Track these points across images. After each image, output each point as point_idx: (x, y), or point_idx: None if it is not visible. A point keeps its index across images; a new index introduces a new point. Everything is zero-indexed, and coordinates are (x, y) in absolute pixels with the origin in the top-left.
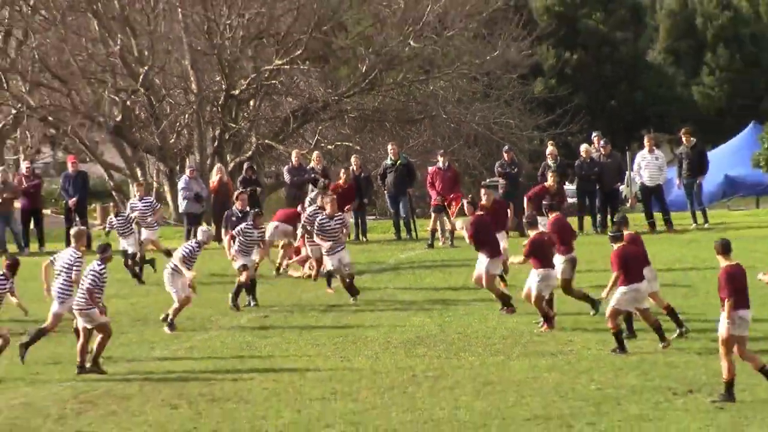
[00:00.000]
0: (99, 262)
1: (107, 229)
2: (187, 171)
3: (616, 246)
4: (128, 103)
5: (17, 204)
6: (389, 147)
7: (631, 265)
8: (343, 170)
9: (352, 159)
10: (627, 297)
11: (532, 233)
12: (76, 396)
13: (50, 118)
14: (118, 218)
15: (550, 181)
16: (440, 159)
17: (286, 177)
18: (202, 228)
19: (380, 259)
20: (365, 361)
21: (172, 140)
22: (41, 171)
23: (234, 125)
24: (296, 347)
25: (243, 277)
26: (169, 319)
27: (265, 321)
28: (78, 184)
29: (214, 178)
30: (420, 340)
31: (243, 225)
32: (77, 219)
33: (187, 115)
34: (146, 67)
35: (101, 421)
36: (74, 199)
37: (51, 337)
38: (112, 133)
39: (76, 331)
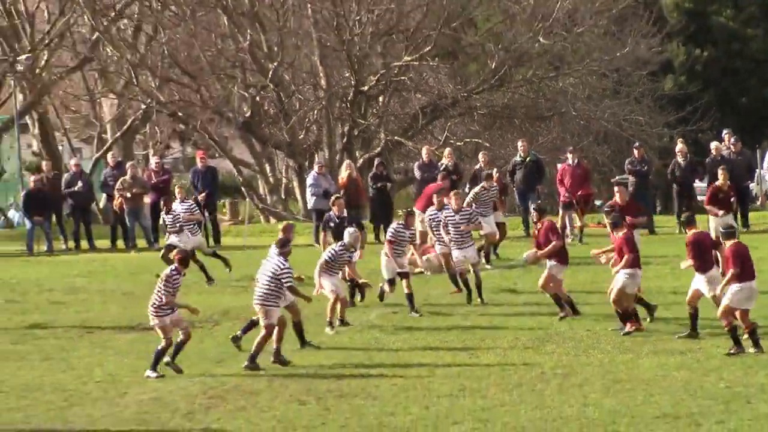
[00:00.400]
0: (282, 259)
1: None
2: (316, 167)
3: (729, 243)
4: (257, 98)
5: (147, 199)
6: (519, 143)
7: (746, 262)
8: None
9: (480, 155)
10: (741, 295)
11: (690, 232)
12: (205, 391)
13: (179, 114)
14: (168, 215)
15: (721, 179)
16: (569, 156)
17: (417, 173)
18: (350, 230)
19: (510, 255)
20: (494, 357)
21: (301, 136)
22: (170, 166)
23: (363, 121)
24: (424, 343)
25: (387, 287)
26: (328, 320)
27: (394, 318)
28: (207, 180)
29: (343, 174)
30: (549, 337)
31: (395, 225)
32: (206, 214)
33: (316, 111)
34: (275, 63)
35: (230, 416)
36: (203, 194)
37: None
38: (241, 129)
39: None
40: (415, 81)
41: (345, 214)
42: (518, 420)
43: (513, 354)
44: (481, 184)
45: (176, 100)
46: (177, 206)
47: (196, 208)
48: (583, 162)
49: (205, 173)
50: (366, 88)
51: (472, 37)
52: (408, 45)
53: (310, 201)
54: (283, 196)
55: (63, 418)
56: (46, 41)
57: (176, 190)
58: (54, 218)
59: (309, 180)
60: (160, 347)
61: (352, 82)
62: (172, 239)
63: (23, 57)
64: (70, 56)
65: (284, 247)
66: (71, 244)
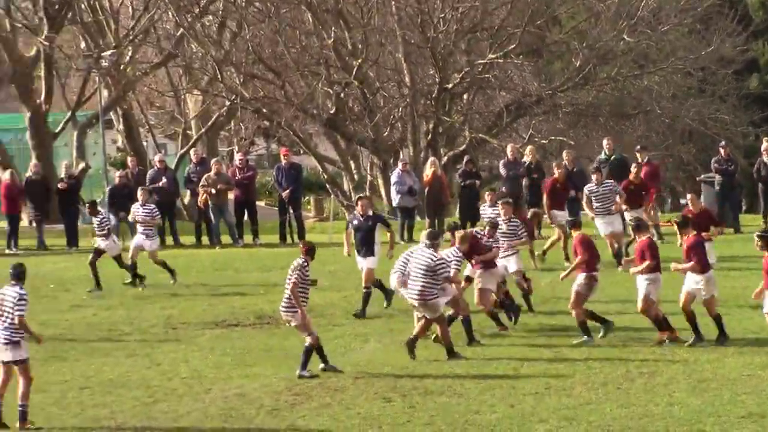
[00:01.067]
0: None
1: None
2: (400, 165)
3: None
4: (342, 95)
5: (231, 195)
6: (605, 142)
7: None
8: (556, 165)
9: (564, 154)
10: None
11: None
12: (289, 388)
13: (264, 110)
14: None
15: None
16: (638, 155)
17: (502, 171)
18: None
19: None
20: (579, 356)
21: (386, 133)
22: (254, 163)
23: (447, 119)
24: (510, 341)
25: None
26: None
27: (478, 316)
28: (291, 177)
29: (428, 172)
30: (635, 335)
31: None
32: (291, 211)
33: (400, 108)
34: (360, 60)
35: (315, 413)
36: (287, 191)
37: (264, 329)
38: (326, 126)
39: None
40: (500, 79)
41: (370, 213)
42: (603, 418)
43: (598, 352)
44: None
45: (261, 96)
46: (138, 208)
47: (158, 212)
48: (652, 160)
49: (290, 170)
50: (450, 85)
51: (556, 35)
52: (492, 42)
53: (395, 198)
54: (367, 193)
55: (148, 414)
56: (131, 37)
57: (139, 193)
58: None
59: (393, 177)
60: (307, 345)
61: (437, 80)
62: (99, 242)
63: (108, 53)
64: (154, 52)
65: (435, 239)
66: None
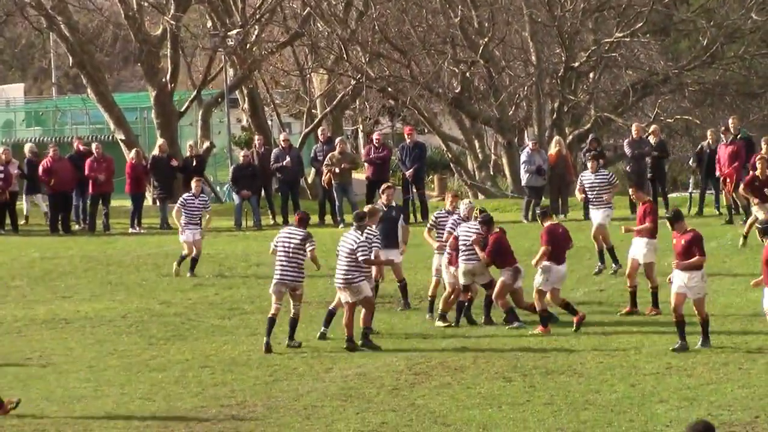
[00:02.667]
0: (358, 231)
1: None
2: (530, 144)
3: None
4: (467, 74)
5: (357, 175)
6: (730, 120)
7: None
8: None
9: (708, 132)
10: None
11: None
12: (410, 368)
13: (389, 89)
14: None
15: None
16: (723, 135)
17: (627, 150)
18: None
19: (717, 234)
20: (698, 336)
21: (511, 112)
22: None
23: (573, 98)
24: (630, 320)
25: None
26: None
27: (600, 295)
28: (415, 155)
29: (552, 151)
30: (756, 316)
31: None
32: (414, 190)
33: (526, 87)
34: (486, 39)
35: (434, 393)
36: (411, 170)
37: (385, 308)
38: (451, 105)
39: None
40: (626, 57)
41: (393, 203)
42: (724, 398)
43: (719, 333)
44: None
45: (386, 75)
46: (193, 199)
47: (209, 205)
48: (737, 141)
49: (413, 149)
50: (576, 64)
51: (684, 14)
52: (619, 21)
53: (524, 177)
54: (491, 173)
55: (268, 392)
56: (257, 16)
57: (193, 183)
58: (263, 193)
59: (523, 156)
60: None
61: (563, 59)
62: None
63: (234, 32)
64: (280, 31)
65: (361, 221)
66: (279, 219)
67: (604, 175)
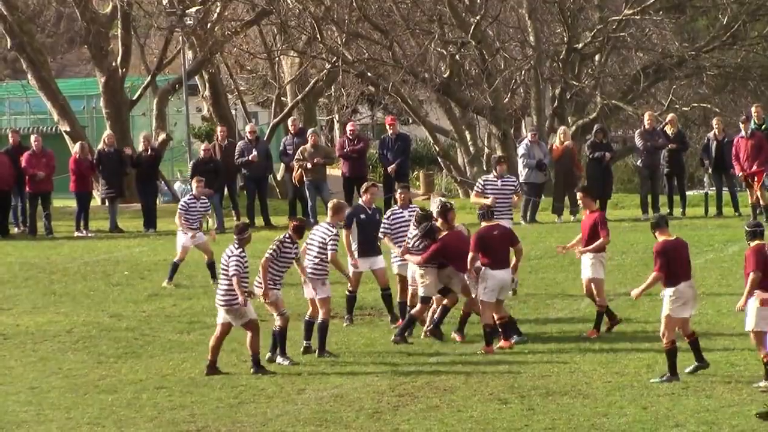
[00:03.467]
0: (237, 245)
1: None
2: (529, 135)
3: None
4: (457, 57)
5: (333, 171)
6: (753, 109)
7: None
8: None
9: (714, 122)
10: None
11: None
12: (393, 388)
13: (369, 74)
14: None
15: None
16: (742, 126)
17: (638, 142)
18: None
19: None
20: (720, 352)
21: (506, 99)
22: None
23: (576, 83)
24: (642, 333)
25: None
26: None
27: (610, 304)
28: (398, 149)
29: (557, 143)
30: None
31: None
32: (397, 188)
33: (523, 72)
34: (478, 17)
35: (421, 416)
36: (393, 165)
37: (365, 321)
38: (439, 91)
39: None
40: (636, 38)
41: (374, 205)
42: (747, 422)
43: (742, 349)
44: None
45: (365, 58)
46: (195, 202)
47: (210, 208)
48: (758, 132)
49: (396, 141)
50: (580, 45)
51: None
52: None
53: (522, 173)
54: (484, 168)
55: (233, 417)
56: None
57: (195, 184)
58: (226, 192)
59: (521, 149)
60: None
61: (565, 39)
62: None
63: (193, 10)
64: (245, 8)
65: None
66: (244, 220)
67: (511, 181)
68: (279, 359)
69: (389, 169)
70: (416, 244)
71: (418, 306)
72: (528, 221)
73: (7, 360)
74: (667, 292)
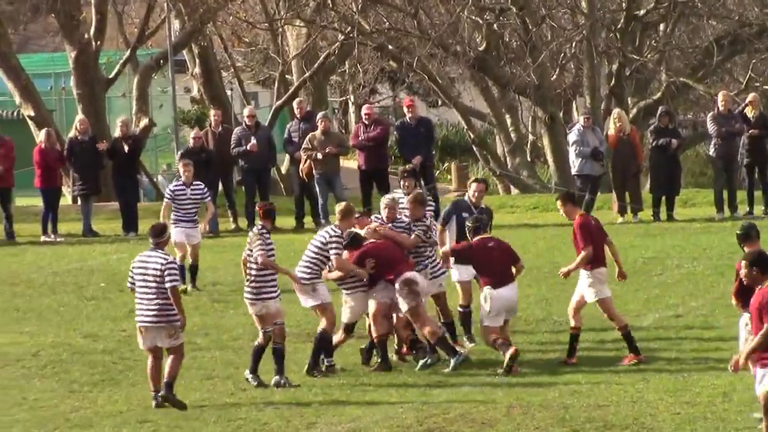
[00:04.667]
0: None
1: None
2: (581, 119)
3: None
4: (495, 26)
5: (348, 162)
6: None
7: None
8: None
9: None
10: None
11: None
12: (420, 422)
13: (389, 47)
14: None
15: None
16: None
17: (711, 127)
18: None
19: None
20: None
21: (554, 77)
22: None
23: (637, 57)
24: (718, 354)
25: None
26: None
27: (678, 322)
28: (420, 137)
29: (612, 129)
30: None
31: None
32: (421, 183)
33: (574, 44)
34: None
35: None
36: (418, 158)
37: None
38: (473, 67)
39: None
40: (709, 3)
41: (483, 204)
42: None
43: None
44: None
45: (385, 28)
46: (183, 188)
47: (208, 194)
48: None
49: (417, 128)
50: (642, 12)
51: None
52: None
53: (574, 163)
54: (528, 158)
55: None
56: None
57: (182, 166)
58: (220, 187)
59: (572, 136)
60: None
61: (624, 5)
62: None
63: None
64: None
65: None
66: (243, 222)
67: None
68: (249, 375)
69: (414, 161)
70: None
71: (340, 334)
72: None
73: None
74: None
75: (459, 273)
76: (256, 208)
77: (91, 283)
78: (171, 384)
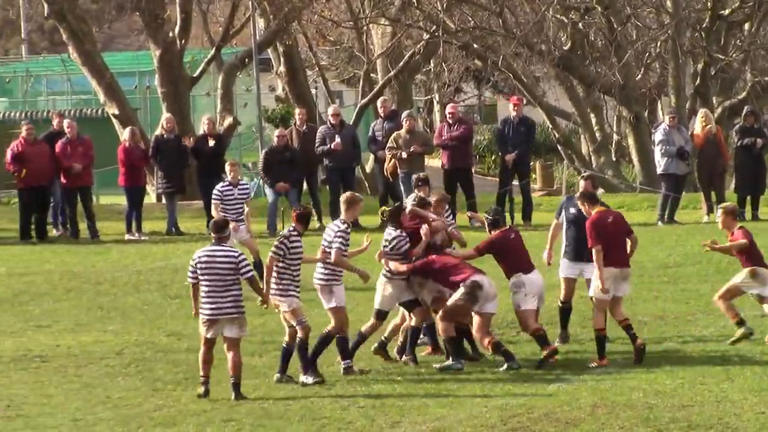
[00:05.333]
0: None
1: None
2: (667, 118)
3: None
4: (580, 25)
5: (432, 160)
6: None
7: None
8: None
9: None
10: None
11: None
12: (505, 421)
13: (475, 46)
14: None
15: None
16: None
17: None
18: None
19: None
20: None
21: (639, 76)
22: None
23: (722, 57)
24: None
25: None
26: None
27: (764, 321)
28: (521, 135)
29: (698, 128)
30: None
31: None
32: (516, 181)
33: (659, 43)
34: None
35: None
36: (512, 155)
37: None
38: (558, 66)
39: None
40: None
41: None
42: None
43: None
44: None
45: (470, 27)
46: (231, 188)
47: (249, 193)
48: None
49: (519, 126)
50: (727, 12)
51: None
52: None
53: (660, 163)
54: (613, 158)
55: None
56: None
57: (229, 167)
58: (306, 186)
59: (658, 135)
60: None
61: (709, 4)
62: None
63: None
64: None
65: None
66: (327, 221)
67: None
68: (303, 378)
69: (507, 158)
70: (397, 245)
71: (371, 321)
72: (666, 221)
73: (46, 387)
74: None
75: (564, 268)
76: (293, 211)
77: (175, 282)
78: (238, 384)
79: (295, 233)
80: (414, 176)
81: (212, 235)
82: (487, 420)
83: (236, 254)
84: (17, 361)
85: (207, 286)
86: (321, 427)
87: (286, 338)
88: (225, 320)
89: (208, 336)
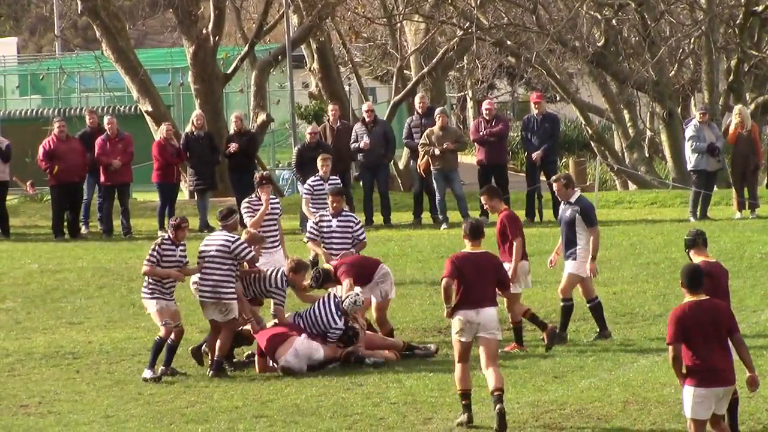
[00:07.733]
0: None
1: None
2: (698, 114)
3: None
4: (614, 22)
5: (466, 157)
6: None
7: None
8: None
9: None
10: None
11: None
12: (536, 417)
13: (508, 42)
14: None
15: None
16: None
17: None
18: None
19: None
20: None
21: (672, 72)
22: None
23: (756, 53)
24: None
25: None
26: None
27: None
28: (545, 132)
29: (732, 124)
30: None
31: None
32: (543, 179)
33: (692, 40)
34: None
35: None
36: (538, 152)
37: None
38: (592, 63)
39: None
40: None
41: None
42: None
43: None
44: None
45: (504, 24)
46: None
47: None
48: None
49: (542, 123)
50: (760, 8)
51: None
52: None
53: (690, 159)
54: (646, 154)
55: None
56: None
57: (319, 161)
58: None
59: (688, 131)
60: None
61: (742, 1)
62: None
63: None
64: None
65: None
66: (360, 217)
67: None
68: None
69: (534, 156)
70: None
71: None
72: (698, 217)
73: (78, 383)
74: None
75: (574, 267)
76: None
77: None
78: (219, 362)
79: (169, 242)
80: (257, 174)
81: (219, 222)
82: (519, 416)
83: (232, 239)
84: (49, 358)
85: (201, 269)
86: (352, 423)
87: (171, 335)
88: (208, 303)
89: (206, 317)
